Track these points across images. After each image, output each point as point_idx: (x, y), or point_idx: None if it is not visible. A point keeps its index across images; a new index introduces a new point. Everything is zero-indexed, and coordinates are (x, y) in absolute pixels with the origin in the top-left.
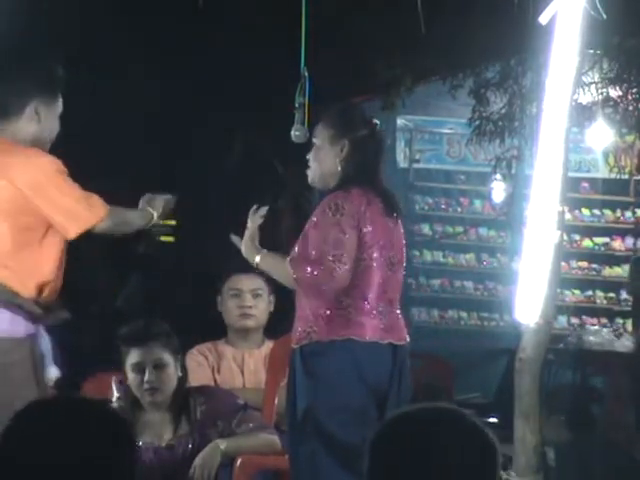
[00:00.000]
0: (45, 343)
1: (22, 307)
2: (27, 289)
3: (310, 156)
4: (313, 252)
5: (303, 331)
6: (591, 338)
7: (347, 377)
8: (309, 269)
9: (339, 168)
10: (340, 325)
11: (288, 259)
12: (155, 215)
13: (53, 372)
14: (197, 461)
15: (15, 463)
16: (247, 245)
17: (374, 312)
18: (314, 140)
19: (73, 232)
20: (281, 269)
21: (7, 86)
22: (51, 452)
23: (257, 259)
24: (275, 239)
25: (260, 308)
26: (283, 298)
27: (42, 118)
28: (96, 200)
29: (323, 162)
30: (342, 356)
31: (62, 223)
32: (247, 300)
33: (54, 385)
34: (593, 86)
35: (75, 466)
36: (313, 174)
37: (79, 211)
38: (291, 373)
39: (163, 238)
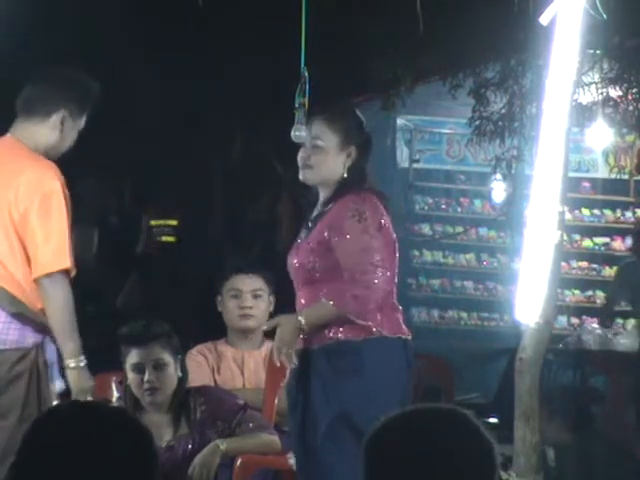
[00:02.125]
0: (51, 353)
1: (33, 319)
2: (33, 304)
3: (310, 157)
4: (347, 267)
5: (329, 331)
6: (589, 337)
7: (393, 375)
8: (348, 295)
9: (345, 174)
10: (374, 320)
11: (323, 299)
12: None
13: (58, 385)
14: (196, 460)
15: (36, 470)
16: (285, 319)
17: (397, 309)
18: (318, 142)
19: (35, 273)
20: (326, 313)
21: (41, 88)
22: (71, 459)
23: (302, 320)
24: (274, 239)
25: (260, 308)
26: (283, 298)
27: (65, 129)
28: (66, 251)
29: (329, 167)
30: (387, 353)
31: (35, 257)
32: (247, 301)
33: (59, 396)
34: (593, 86)
35: (95, 474)
36: (314, 175)
37: (48, 255)
38: (301, 376)
39: (164, 238)
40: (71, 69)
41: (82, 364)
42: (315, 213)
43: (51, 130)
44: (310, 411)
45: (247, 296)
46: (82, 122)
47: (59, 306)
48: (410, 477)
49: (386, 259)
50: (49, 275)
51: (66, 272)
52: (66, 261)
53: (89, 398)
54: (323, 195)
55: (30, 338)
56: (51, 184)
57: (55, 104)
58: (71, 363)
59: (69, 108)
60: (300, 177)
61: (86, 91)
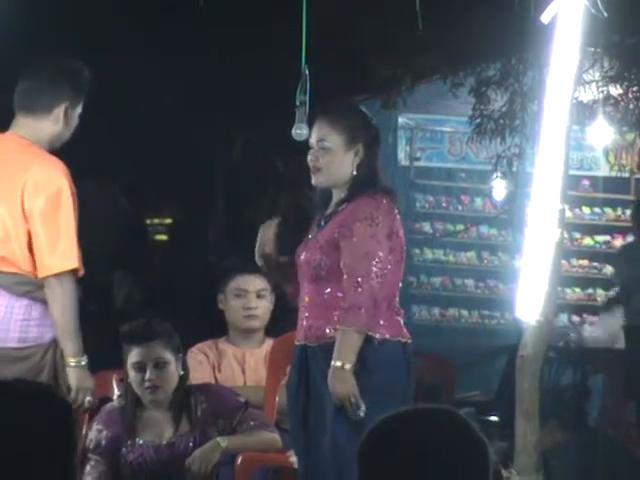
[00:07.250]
0: None
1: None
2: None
3: (319, 159)
4: (348, 268)
5: (329, 330)
6: (590, 335)
7: (391, 378)
8: (363, 311)
9: (355, 172)
10: (376, 325)
11: (342, 326)
12: (80, 362)
13: None
14: (196, 454)
15: None
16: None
17: (399, 312)
18: (324, 144)
19: (43, 273)
20: (348, 339)
21: (41, 83)
22: None
23: (342, 364)
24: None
25: (263, 308)
26: (282, 298)
27: (68, 120)
28: (74, 251)
29: (339, 168)
30: (385, 356)
31: (42, 258)
32: (252, 301)
33: None
34: (594, 84)
35: (11, 449)
36: (324, 178)
37: (59, 255)
38: (301, 371)
39: (161, 237)
40: (65, 59)
41: (83, 363)
42: (329, 212)
43: (55, 123)
44: (311, 407)
45: (252, 296)
46: (80, 107)
47: (64, 306)
48: (404, 477)
49: (388, 267)
50: (57, 275)
51: (73, 272)
52: (74, 262)
53: (89, 398)
54: (337, 196)
55: (49, 332)
56: (58, 183)
57: (57, 98)
58: (72, 362)
59: (70, 99)
60: (312, 182)
61: (84, 79)
